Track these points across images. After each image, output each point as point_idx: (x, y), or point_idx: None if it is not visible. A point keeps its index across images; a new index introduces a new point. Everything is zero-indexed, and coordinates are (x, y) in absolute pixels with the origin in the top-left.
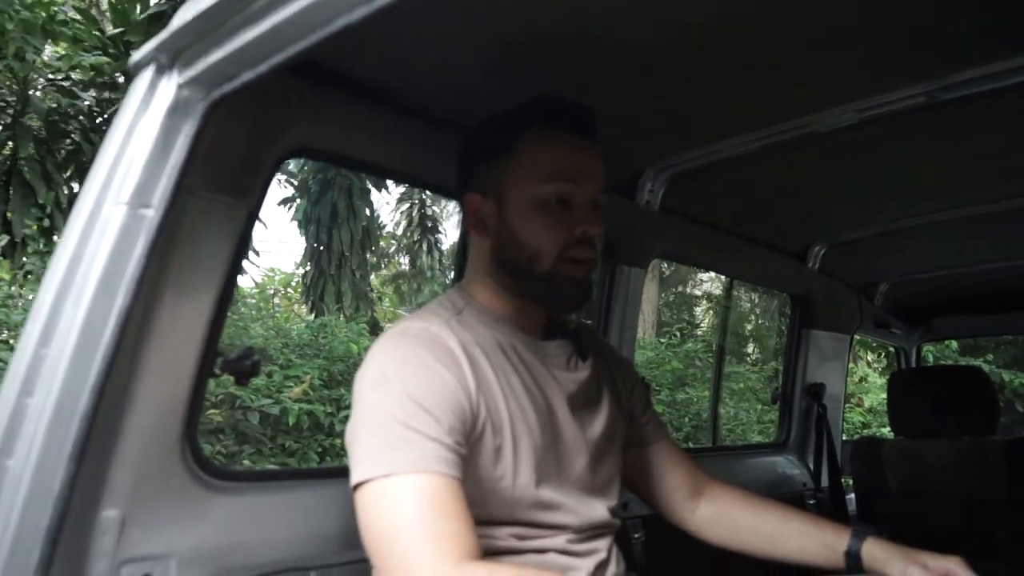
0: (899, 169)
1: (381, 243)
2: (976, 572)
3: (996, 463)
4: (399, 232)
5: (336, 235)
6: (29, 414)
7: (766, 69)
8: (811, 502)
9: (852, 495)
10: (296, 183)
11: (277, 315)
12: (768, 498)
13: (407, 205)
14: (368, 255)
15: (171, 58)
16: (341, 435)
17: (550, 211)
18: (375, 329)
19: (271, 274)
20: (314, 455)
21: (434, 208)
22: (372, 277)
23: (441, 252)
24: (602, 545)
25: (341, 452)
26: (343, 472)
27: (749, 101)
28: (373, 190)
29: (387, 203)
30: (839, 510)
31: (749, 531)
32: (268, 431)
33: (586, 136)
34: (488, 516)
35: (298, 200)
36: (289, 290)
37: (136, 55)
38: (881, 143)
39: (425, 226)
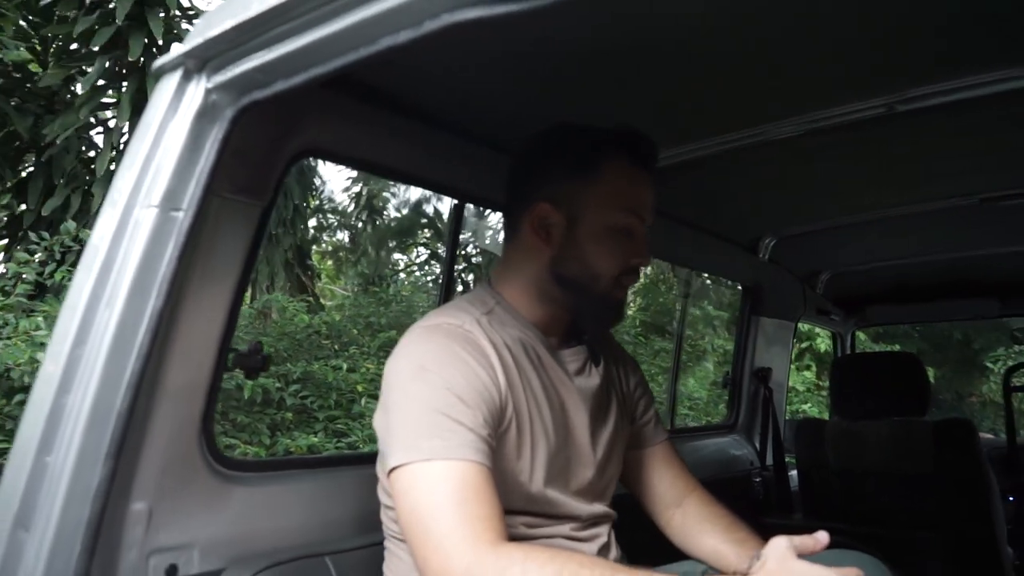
0: (846, 170)
1: (323, 219)
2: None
3: (925, 442)
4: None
5: None
6: (67, 412)
7: (730, 82)
8: (757, 479)
9: (794, 472)
10: None
11: None
12: (724, 514)
13: (358, 187)
14: (300, 233)
15: (200, 64)
16: (291, 409)
17: (618, 239)
18: (315, 307)
19: None
20: (265, 428)
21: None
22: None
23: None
24: (603, 531)
25: (291, 426)
26: (354, 460)
27: (712, 110)
28: (317, 167)
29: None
30: (782, 487)
31: (696, 548)
32: (219, 407)
33: (650, 170)
34: (504, 505)
35: None
36: None
37: (162, 59)
38: (832, 148)
39: (372, 207)
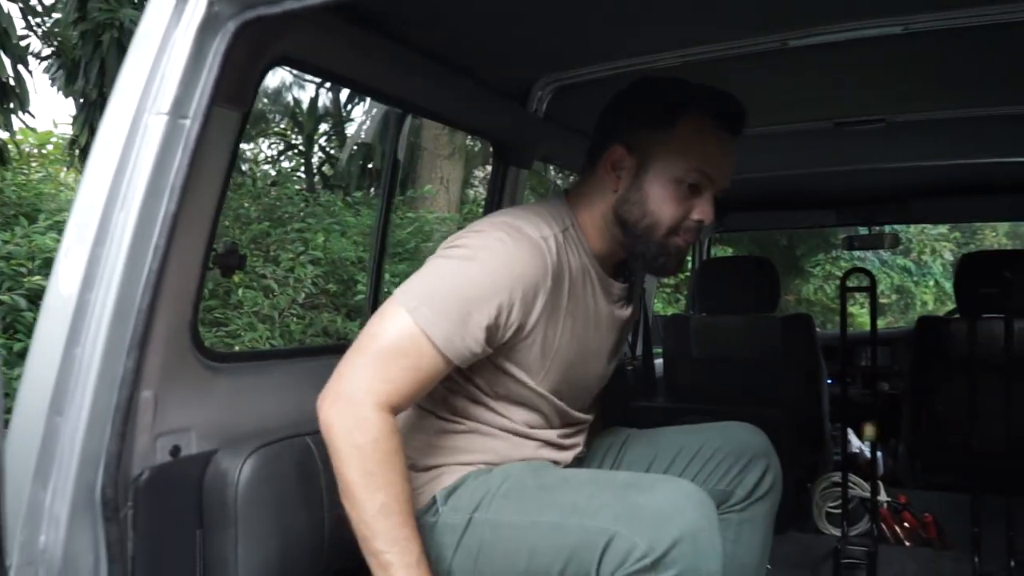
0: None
1: None
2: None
3: (775, 334)
4: None
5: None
6: (91, 308)
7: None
8: (628, 368)
9: (659, 361)
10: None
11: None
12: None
13: None
14: None
15: None
16: None
17: (681, 191)
18: None
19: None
20: None
21: None
22: None
23: None
24: (581, 440)
25: None
26: (328, 350)
27: (625, 32)
28: None
29: None
30: (649, 375)
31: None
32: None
33: (731, 133)
34: (516, 400)
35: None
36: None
37: None
38: (714, 79)
39: None
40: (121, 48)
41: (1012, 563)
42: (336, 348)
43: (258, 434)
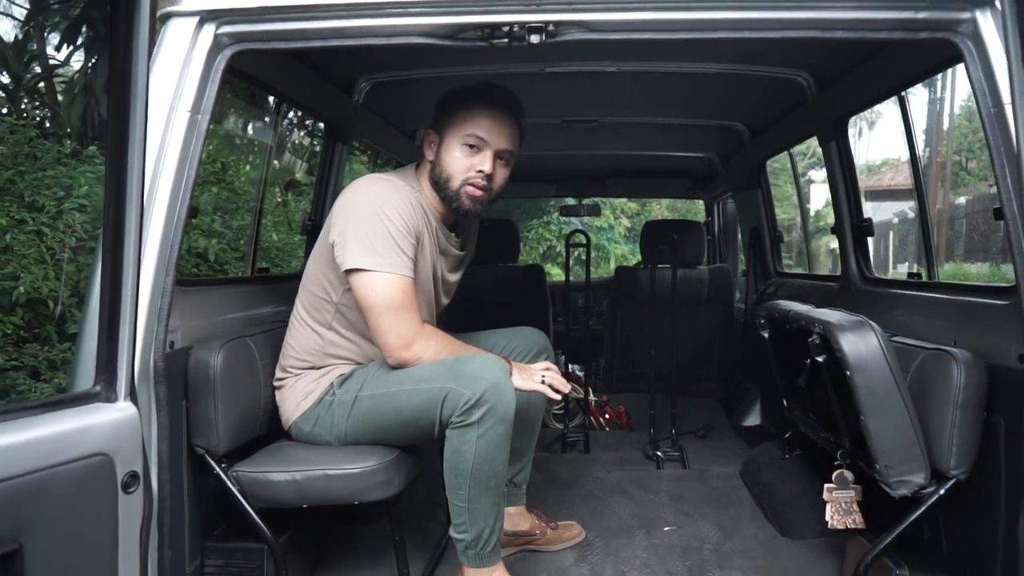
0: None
1: None
2: None
3: (517, 280)
4: None
5: None
6: (145, 241)
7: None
8: None
9: None
10: None
11: None
12: None
13: None
14: None
15: (212, 15)
16: None
17: (463, 153)
18: None
19: None
20: None
21: None
22: None
23: None
24: None
25: None
26: (270, 279)
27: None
28: None
29: None
30: None
31: None
32: None
33: (501, 111)
34: None
35: None
36: None
37: (177, 6)
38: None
39: None
40: None
41: (674, 431)
42: (267, 279)
43: (215, 336)
